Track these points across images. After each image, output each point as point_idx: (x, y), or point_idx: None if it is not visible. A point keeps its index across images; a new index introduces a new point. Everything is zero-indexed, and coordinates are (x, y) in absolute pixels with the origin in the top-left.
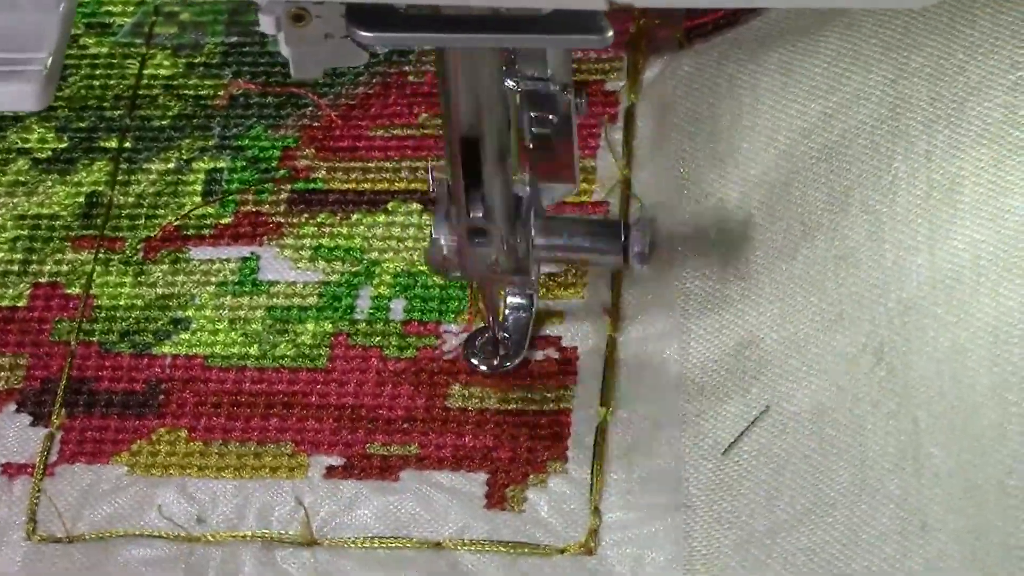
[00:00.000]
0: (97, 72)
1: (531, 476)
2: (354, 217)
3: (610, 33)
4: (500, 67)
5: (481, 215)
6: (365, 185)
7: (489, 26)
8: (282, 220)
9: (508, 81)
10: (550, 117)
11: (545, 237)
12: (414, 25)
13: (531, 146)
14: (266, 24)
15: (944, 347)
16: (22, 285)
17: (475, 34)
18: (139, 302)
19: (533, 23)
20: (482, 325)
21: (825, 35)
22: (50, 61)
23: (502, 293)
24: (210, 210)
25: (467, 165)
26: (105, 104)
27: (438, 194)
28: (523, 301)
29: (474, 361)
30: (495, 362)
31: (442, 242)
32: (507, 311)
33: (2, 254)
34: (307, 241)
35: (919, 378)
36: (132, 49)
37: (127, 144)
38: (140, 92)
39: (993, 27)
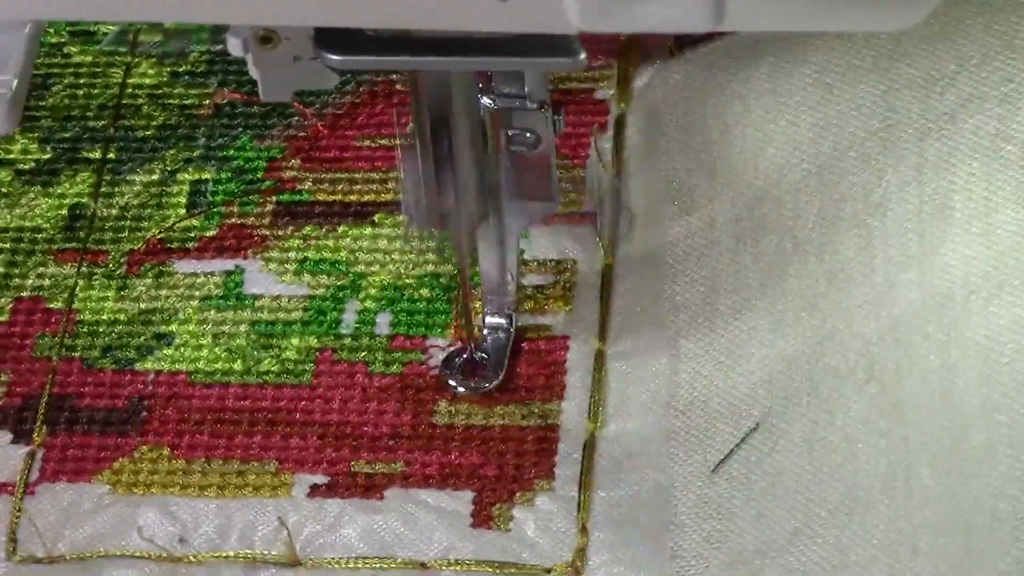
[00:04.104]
0: (81, 81)
1: (518, 494)
2: (340, 229)
3: (583, 55)
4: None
5: (452, 199)
6: (352, 197)
7: (460, 49)
8: (267, 233)
9: (485, 99)
10: (527, 135)
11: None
12: (383, 48)
13: (508, 164)
14: (233, 46)
15: (934, 366)
16: (3, 299)
17: (445, 57)
18: (122, 317)
19: (505, 45)
20: (460, 345)
21: (816, 45)
22: (15, 84)
23: (480, 311)
24: (195, 222)
25: (436, 148)
26: (89, 114)
27: (405, 163)
28: (502, 321)
29: (452, 382)
30: (473, 383)
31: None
32: (486, 331)
33: None
34: (292, 254)
35: (910, 397)
36: (116, 58)
37: (111, 155)
38: (124, 102)
39: (985, 37)
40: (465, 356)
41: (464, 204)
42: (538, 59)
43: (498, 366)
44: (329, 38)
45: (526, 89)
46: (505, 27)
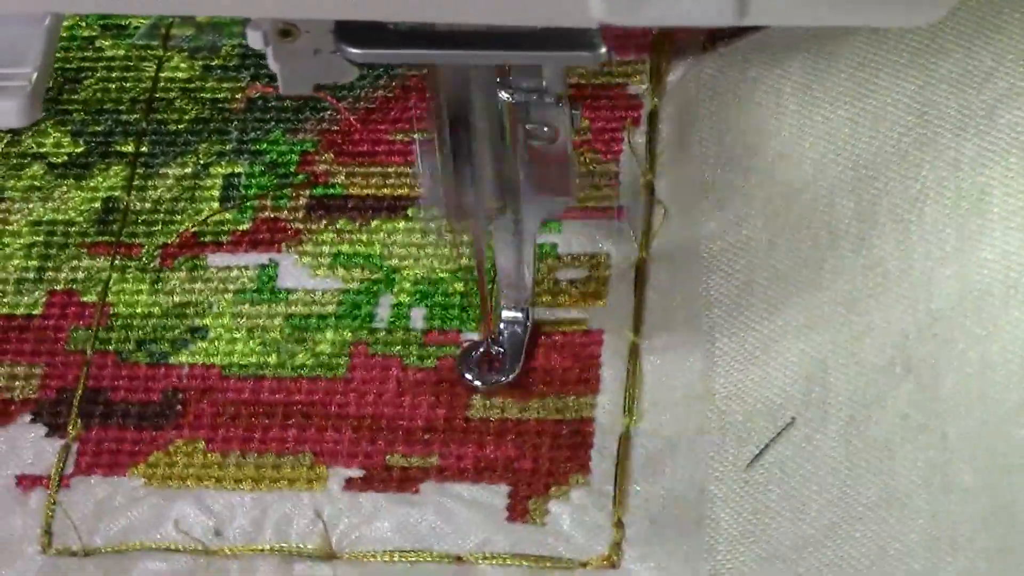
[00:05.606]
0: (113, 75)
1: (553, 488)
2: (374, 223)
3: (603, 49)
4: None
5: (470, 193)
6: (385, 190)
7: (480, 43)
8: (301, 226)
9: (502, 93)
10: (545, 129)
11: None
12: (404, 42)
13: (527, 158)
14: (253, 39)
15: (973, 361)
16: (37, 293)
17: (466, 51)
18: (156, 310)
19: (525, 39)
20: (476, 339)
21: (850, 40)
22: (35, 77)
23: (497, 304)
24: (228, 216)
25: (455, 142)
26: (121, 108)
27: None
28: (518, 315)
29: (468, 376)
30: (491, 377)
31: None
32: (502, 325)
33: (18, 261)
34: (326, 248)
35: (948, 392)
36: (148, 51)
37: (144, 148)
38: (157, 95)
39: (1022, 32)
40: (482, 350)
41: (480, 197)
42: (558, 53)
43: (514, 360)
44: (349, 32)
45: (544, 83)
46: (526, 21)
